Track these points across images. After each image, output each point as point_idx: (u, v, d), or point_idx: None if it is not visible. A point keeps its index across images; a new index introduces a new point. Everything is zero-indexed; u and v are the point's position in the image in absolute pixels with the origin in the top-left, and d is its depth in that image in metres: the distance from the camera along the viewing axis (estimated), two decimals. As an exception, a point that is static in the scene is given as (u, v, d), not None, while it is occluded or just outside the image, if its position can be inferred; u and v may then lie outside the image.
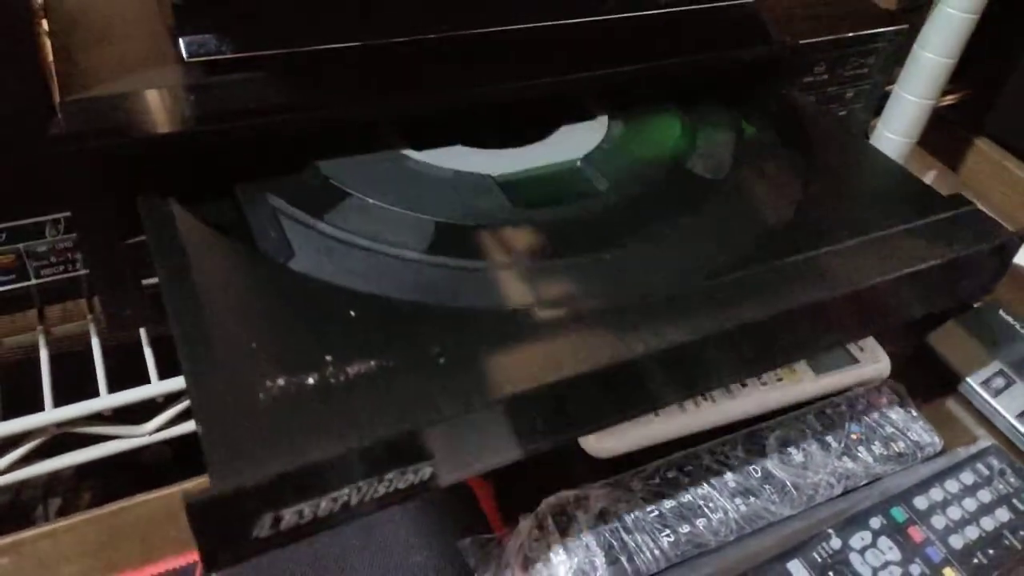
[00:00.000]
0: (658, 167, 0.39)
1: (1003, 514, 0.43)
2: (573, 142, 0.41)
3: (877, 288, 0.33)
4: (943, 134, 0.65)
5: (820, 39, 0.47)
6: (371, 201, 0.34)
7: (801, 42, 0.46)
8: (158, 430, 0.37)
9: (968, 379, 0.51)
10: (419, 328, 0.28)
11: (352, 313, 0.28)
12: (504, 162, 0.38)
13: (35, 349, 0.38)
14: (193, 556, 0.37)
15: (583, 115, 0.43)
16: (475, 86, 0.38)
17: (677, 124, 0.43)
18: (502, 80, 0.39)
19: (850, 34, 0.48)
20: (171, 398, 0.37)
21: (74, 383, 0.37)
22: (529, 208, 0.35)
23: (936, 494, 0.44)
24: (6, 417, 0.35)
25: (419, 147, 0.38)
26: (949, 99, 0.64)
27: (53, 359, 0.38)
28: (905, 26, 0.50)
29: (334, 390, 0.25)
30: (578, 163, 0.39)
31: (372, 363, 0.26)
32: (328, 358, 0.26)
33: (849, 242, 0.34)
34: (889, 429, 0.46)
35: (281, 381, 0.25)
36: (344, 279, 0.30)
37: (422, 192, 0.35)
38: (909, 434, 0.47)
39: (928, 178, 0.71)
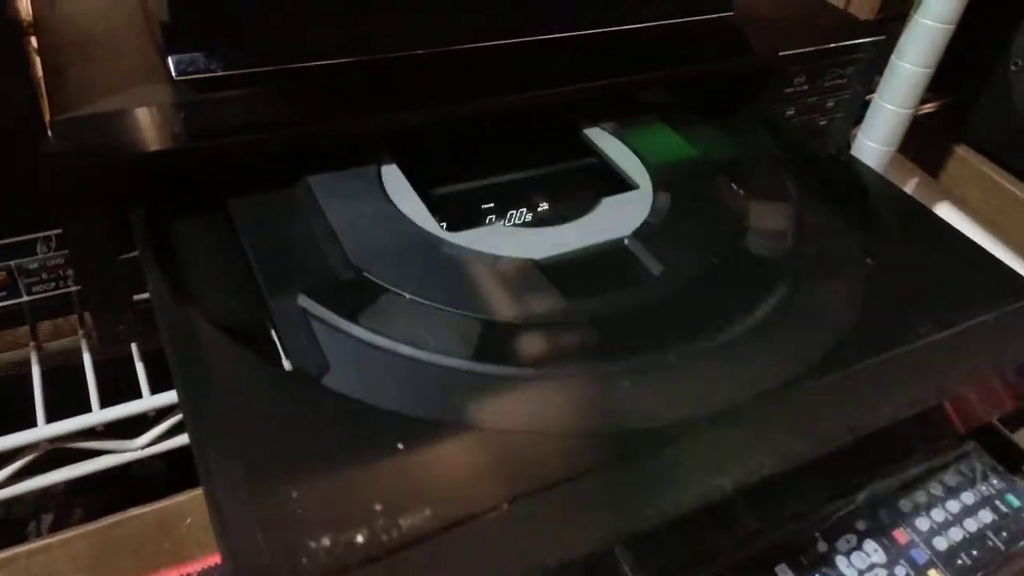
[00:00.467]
0: (712, 244, 0.36)
1: (986, 515, 0.44)
2: (618, 216, 0.38)
3: (968, 396, 0.30)
4: (923, 141, 0.66)
5: (800, 51, 0.48)
6: (409, 297, 0.31)
7: (781, 54, 0.47)
8: (150, 444, 0.38)
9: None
10: (479, 465, 0.25)
11: (400, 445, 0.25)
12: (547, 242, 0.35)
13: (27, 365, 0.39)
14: (187, 568, 0.37)
15: (622, 181, 0.41)
16: (466, 99, 0.39)
17: (728, 192, 0.40)
18: (494, 93, 0.40)
19: (829, 45, 0.49)
20: (163, 412, 0.38)
21: (66, 398, 0.37)
22: (581, 297, 0.32)
23: (920, 496, 0.44)
24: (-1, 433, 0.35)
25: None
26: (929, 107, 0.65)
27: (45, 374, 0.38)
28: (883, 37, 0.51)
29: (386, 550, 0.22)
30: (626, 241, 0.36)
31: (427, 512, 0.23)
32: (377, 507, 0.23)
33: (931, 338, 0.31)
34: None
35: (327, 541, 0.22)
36: (387, 399, 0.27)
37: (463, 282, 0.32)
38: (893, 437, 0.47)
39: (909, 185, 0.72)
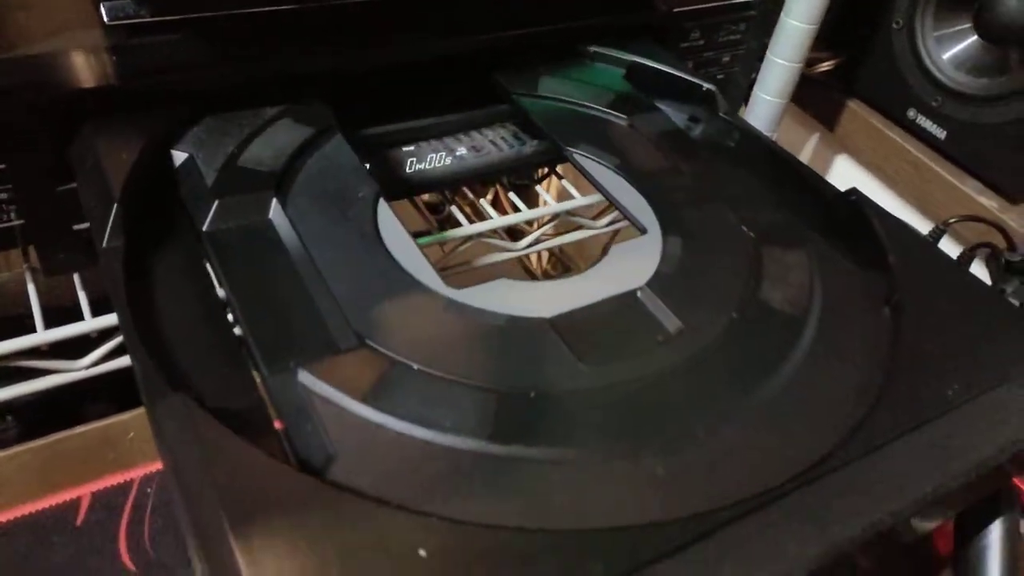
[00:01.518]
0: (729, 296, 0.35)
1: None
2: (629, 264, 0.36)
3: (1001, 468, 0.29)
4: (821, 98, 0.72)
5: (693, 7, 0.52)
6: (417, 368, 0.29)
7: (675, 10, 0.52)
8: (94, 364, 0.41)
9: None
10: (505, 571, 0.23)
11: (422, 552, 0.23)
12: (557, 296, 0.34)
13: (-26, 295, 0.41)
14: (131, 474, 0.40)
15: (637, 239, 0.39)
16: (390, 45, 0.42)
17: (740, 237, 0.39)
18: (415, 39, 0.43)
19: (721, 3, 0.53)
20: (104, 334, 0.41)
21: (13, 322, 0.40)
22: (597, 363, 0.31)
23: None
24: (-51, 354, 0.38)
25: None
26: (825, 65, 0.70)
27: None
28: (772, -5, 0.56)
29: None
30: (639, 293, 0.35)
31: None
32: None
33: (963, 404, 0.30)
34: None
35: None
36: (401, 492, 0.25)
37: (474, 348, 0.31)
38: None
39: (811, 140, 0.78)
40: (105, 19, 0.38)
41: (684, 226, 0.39)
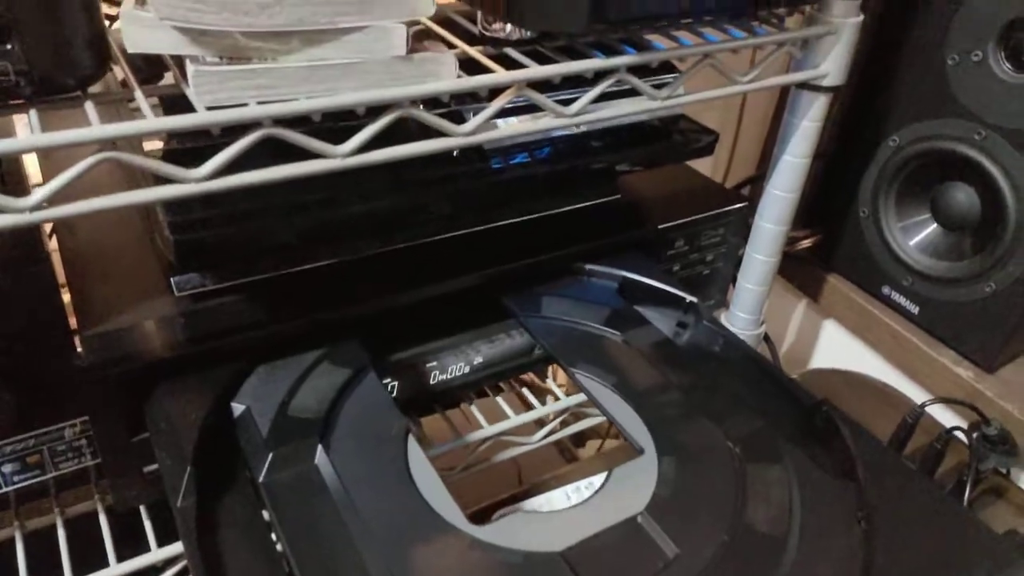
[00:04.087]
0: (719, 520, 0.39)
1: None
2: (629, 487, 0.41)
3: None
4: (803, 272, 0.79)
5: (676, 223, 0.60)
6: None
7: (660, 227, 0.59)
8: (158, 591, 0.46)
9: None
10: None
11: None
12: (567, 527, 0.39)
13: (53, 528, 0.47)
14: None
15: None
16: (416, 286, 0.49)
17: (727, 454, 0.44)
18: (439, 280, 0.50)
19: (700, 216, 0.61)
20: (169, 562, 0.46)
21: (86, 552, 0.45)
22: None
23: None
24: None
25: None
26: (805, 243, 0.77)
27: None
28: (746, 203, 0.63)
29: None
30: (639, 519, 0.39)
31: None
32: None
33: None
34: None
35: None
36: None
37: None
38: None
39: (798, 309, 0.84)
40: (175, 292, 0.45)
41: (676, 445, 0.44)
